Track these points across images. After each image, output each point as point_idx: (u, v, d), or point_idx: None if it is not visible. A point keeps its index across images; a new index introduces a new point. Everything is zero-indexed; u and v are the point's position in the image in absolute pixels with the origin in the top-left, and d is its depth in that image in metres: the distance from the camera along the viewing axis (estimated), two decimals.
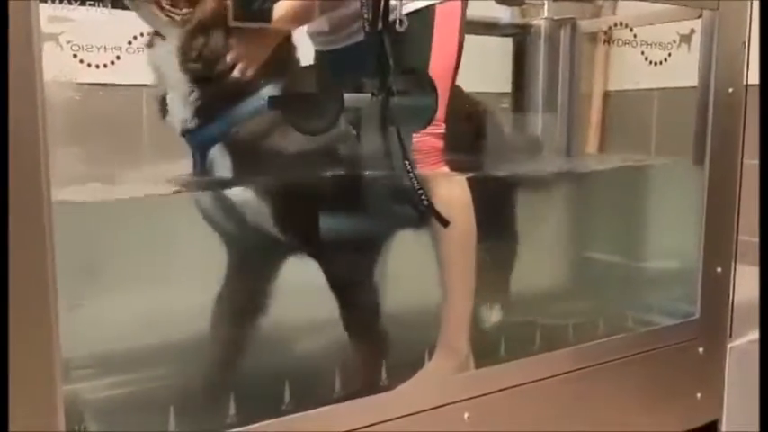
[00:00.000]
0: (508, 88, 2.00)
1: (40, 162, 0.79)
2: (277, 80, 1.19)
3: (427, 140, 1.25)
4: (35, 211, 0.79)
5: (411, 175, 1.15)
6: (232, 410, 1.06)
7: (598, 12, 1.93)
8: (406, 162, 1.15)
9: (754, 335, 1.59)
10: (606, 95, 2.14)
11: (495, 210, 1.55)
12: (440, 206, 1.20)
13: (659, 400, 1.48)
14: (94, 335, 1.09)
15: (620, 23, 1.52)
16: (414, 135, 1.23)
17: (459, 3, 1.26)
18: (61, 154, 0.82)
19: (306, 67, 1.29)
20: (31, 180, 0.79)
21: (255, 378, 1.25)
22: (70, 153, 0.90)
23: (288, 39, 1.25)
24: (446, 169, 1.27)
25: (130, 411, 1.11)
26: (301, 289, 1.30)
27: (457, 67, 1.28)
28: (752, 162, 1.50)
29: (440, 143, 1.26)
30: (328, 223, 1.27)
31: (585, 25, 1.90)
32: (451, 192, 1.25)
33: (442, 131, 1.26)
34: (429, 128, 1.24)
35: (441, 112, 1.23)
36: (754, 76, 1.47)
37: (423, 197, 1.15)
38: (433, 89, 1.19)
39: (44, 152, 0.79)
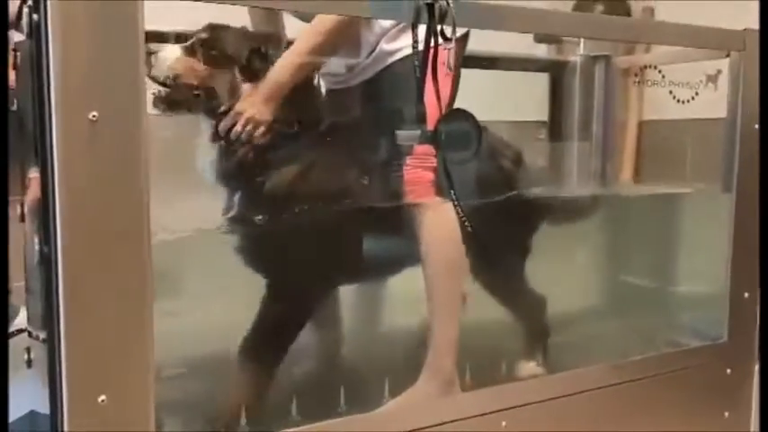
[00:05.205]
0: (545, 118, 2.10)
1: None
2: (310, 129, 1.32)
3: (418, 173, 1.33)
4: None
5: (457, 203, 1.24)
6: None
7: (632, 49, 2.01)
8: (452, 192, 1.25)
9: None
10: (640, 125, 2.23)
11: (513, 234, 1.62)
12: (426, 235, 1.30)
13: (688, 417, 1.54)
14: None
15: (650, 66, 1.61)
16: (405, 167, 1.32)
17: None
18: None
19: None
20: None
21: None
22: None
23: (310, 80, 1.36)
24: (437, 199, 1.32)
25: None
26: None
27: (451, 104, 1.34)
28: None
29: (430, 175, 1.33)
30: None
31: (619, 61, 1.99)
32: (438, 222, 1.31)
33: (433, 164, 1.31)
34: (420, 161, 1.32)
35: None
36: None
37: (467, 224, 1.26)
38: (477, 127, 1.27)
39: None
